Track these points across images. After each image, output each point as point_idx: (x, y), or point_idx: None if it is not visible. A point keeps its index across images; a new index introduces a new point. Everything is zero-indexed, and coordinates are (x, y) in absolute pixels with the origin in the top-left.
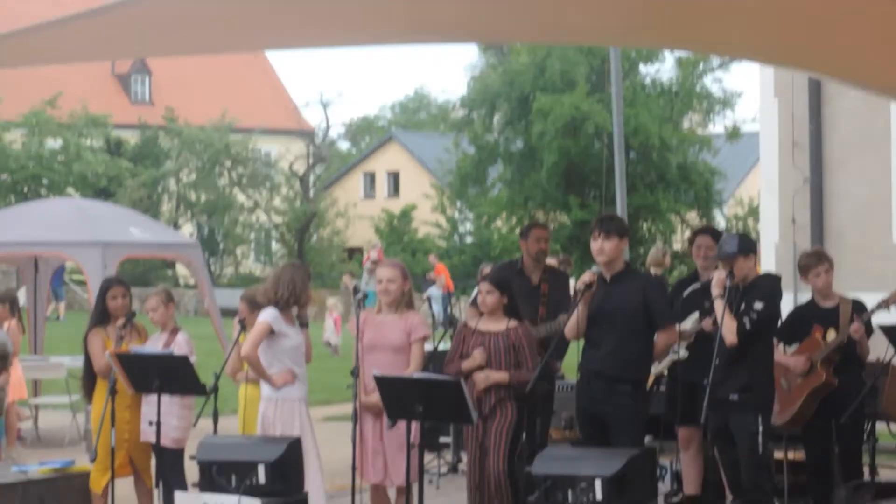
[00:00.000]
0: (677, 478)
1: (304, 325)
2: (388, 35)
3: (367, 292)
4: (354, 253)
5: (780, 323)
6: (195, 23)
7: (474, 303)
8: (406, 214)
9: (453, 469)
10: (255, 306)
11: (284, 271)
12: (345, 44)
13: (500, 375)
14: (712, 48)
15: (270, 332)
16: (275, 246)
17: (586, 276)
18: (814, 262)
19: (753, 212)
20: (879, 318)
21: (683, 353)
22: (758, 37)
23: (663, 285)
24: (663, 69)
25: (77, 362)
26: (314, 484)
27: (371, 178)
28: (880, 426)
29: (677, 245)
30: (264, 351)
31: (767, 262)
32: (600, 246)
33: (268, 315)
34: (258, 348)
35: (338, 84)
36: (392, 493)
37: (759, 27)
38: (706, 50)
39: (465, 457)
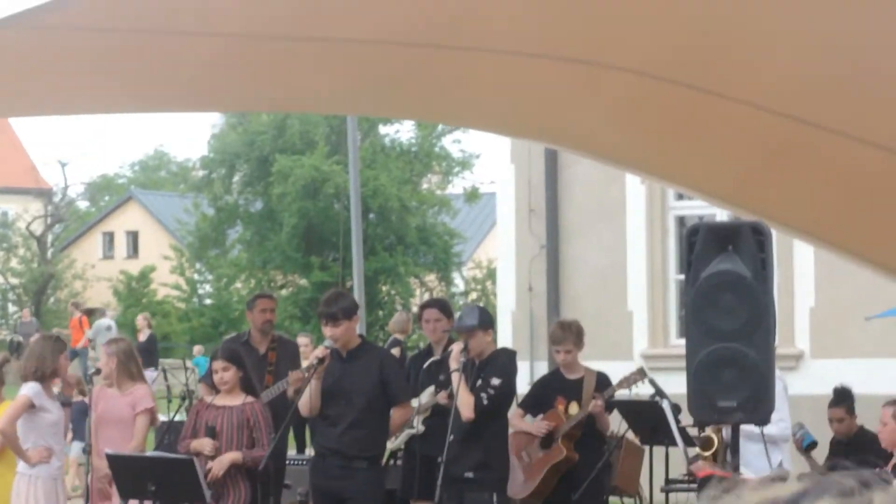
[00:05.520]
0: None
1: (65, 404)
2: (126, 104)
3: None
4: (93, 314)
5: (516, 397)
6: None
7: (206, 377)
8: (145, 276)
9: None
10: None
11: (35, 345)
12: (83, 112)
13: (234, 456)
14: (444, 118)
15: (31, 407)
16: (11, 308)
17: (318, 351)
18: (559, 338)
19: (492, 274)
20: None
21: (420, 427)
22: (489, 109)
23: (399, 360)
24: (403, 130)
25: None
26: None
27: (110, 238)
28: (614, 500)
29: (415, 308)
30: (22, 425)
31: (504, 329)
32: (330, 333)
33: (28, 389)
34: (15, 422)
35: (78, 140)
36: None
37: (491, 100)
38: (439, 120)
39: None
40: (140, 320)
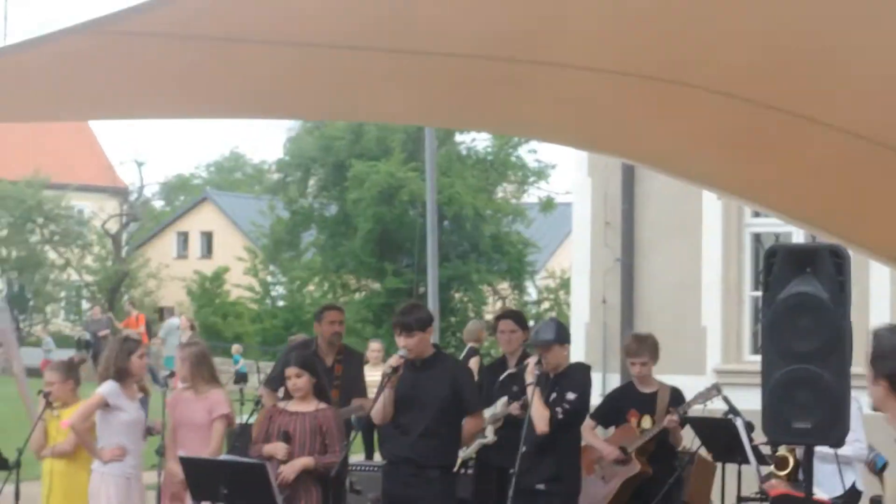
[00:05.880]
0: None
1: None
2: (203, 110)
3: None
4: (165, 313)
5: (589, 412)
6: (16, 92)
7: (269, 382)
8: (218, 276)
9: None
10: (68, 375)
11: (109, 346)
12: (161, 116)
13: (306, 461)
14: (522, 131)
15: (106, 406)
16: (85, 305)
17: (393, 360)
18: (634, 350)
19: (565, 284)
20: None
21: (492, 437)
22: (567, 124)
23: (471, 371)
24: (479, 138)
25: None
26: None
27: (184, 238)
28: None
29: (488, 315)
30: (98, 424)
31: (577, 341)
32: (404, 343)
33: (104, 388)
34: (87, 419)
35: (154, 141)
36: None
37: (569, 115)
38: (516, 133)
39: None
40: (182, 321)
